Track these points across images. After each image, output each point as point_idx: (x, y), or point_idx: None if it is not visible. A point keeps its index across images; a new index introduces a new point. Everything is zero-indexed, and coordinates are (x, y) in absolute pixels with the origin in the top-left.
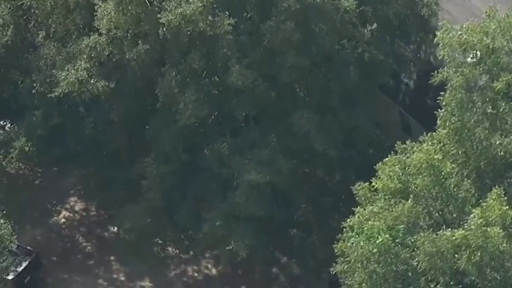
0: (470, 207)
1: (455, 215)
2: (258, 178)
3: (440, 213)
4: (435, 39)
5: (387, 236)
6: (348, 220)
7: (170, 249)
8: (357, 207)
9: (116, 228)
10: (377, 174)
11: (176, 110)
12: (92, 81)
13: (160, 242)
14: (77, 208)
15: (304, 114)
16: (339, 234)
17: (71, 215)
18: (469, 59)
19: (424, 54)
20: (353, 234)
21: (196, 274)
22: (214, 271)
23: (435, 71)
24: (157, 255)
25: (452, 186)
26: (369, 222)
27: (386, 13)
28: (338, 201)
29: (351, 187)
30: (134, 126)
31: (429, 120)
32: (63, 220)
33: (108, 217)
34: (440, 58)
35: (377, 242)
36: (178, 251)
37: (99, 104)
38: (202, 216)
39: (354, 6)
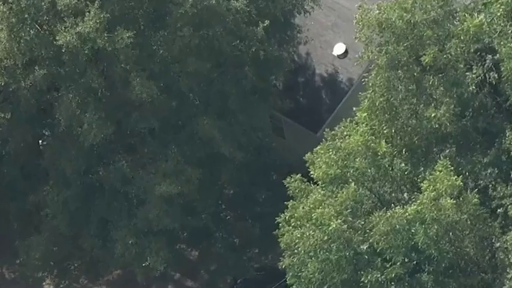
0: (405, 185)
1: (393, 195)
2: (170, 190)
3: (378, 194)
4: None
5: (339, 221)
6: (284, 214)
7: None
8: (289, 200)
9: None
10: (306, 165)
11: (78, 132)
12: None
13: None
14: None
15: (205, 120)
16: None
17: None
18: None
19: (288, 53)
20: (290, 228)
21: None
22: None
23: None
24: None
25: (387, 166)
26: (317, 210)
27: (272, 11)
28: (238, 206)
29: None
30: (28, 156)
31: (304, 118)
32: None
33: None
34: (357, 41)
35: (330, 228)
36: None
37: None
38: (110, 237)
39: (244, 5)
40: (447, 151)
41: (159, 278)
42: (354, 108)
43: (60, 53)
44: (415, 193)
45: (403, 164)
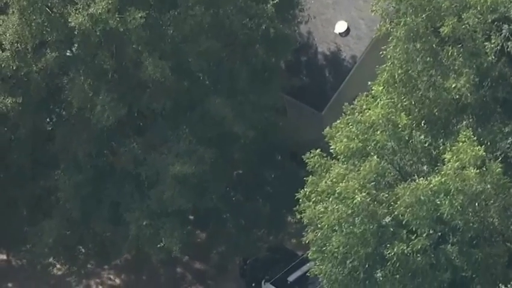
0: (425, 157)
1: (413, 167)
2: (184, 169)
3: (398, 167)
4: None
5: (363, 194)
6: (304, 189)
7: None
8: (309, 176)
9: (6, 255)
10: (326, 139)
11: (90, 114)
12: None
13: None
14: None
15: (217, 100)
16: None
17: None
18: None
19: (290, 31)
20: (311, 203)
21: (100, 287)
22: (118, 281)
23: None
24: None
25: (407, 138)
26: (341, 184)
27: None
28: (246, 186)
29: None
30: (38, 141)
31: (308, 97)
32: None
33: None
34: (373, 14)
35: (354, 202)
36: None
37: (2, 122)
38: (122, 220)
39: None
40: (464, 123)
41: (167, 261)
42: (369, 83)
43: (72, 35)
44: (438, 165)
45: (422, 136)
